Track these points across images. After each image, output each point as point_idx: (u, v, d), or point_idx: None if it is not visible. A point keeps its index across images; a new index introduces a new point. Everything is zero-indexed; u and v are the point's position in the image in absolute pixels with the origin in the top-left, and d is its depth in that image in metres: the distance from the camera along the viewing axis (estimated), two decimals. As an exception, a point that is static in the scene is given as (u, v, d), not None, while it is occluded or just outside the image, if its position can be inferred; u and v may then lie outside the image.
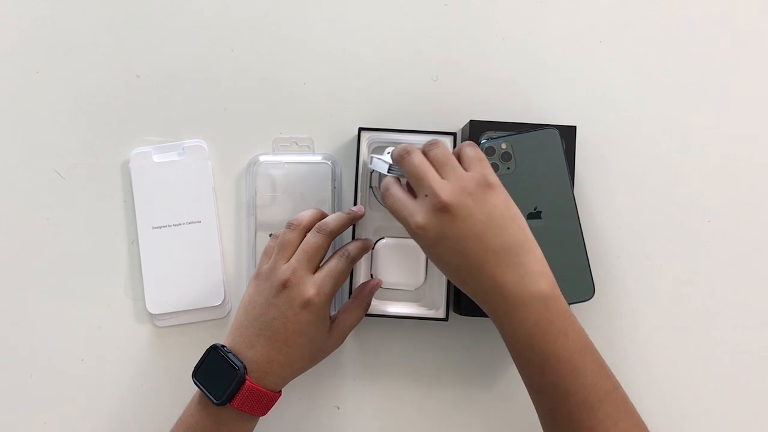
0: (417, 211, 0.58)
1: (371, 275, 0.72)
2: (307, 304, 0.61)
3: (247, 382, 0.60)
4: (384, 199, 0.62)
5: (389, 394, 0.74)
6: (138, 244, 0.73)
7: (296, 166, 0.74)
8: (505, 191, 0.59)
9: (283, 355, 0.62)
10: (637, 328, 0.74)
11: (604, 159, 0.75)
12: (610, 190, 0.75)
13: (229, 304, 0.74)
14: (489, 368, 0.74)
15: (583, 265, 0.69)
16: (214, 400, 0.60)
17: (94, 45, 0.76)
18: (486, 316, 0.69)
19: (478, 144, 0.69)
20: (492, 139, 0.69)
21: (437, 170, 0.59)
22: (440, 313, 0.71)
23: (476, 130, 0.70)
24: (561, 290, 0.69)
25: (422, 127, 0.72)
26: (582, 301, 0.69)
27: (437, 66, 0.76)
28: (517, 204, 0.69)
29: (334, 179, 0.74)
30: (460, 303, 0.69)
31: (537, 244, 0.58)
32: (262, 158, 0.74)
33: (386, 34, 0.76)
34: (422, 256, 0.72)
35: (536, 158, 0.69)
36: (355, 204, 0.71)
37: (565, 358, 0.56)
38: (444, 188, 0.58)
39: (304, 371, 0.65)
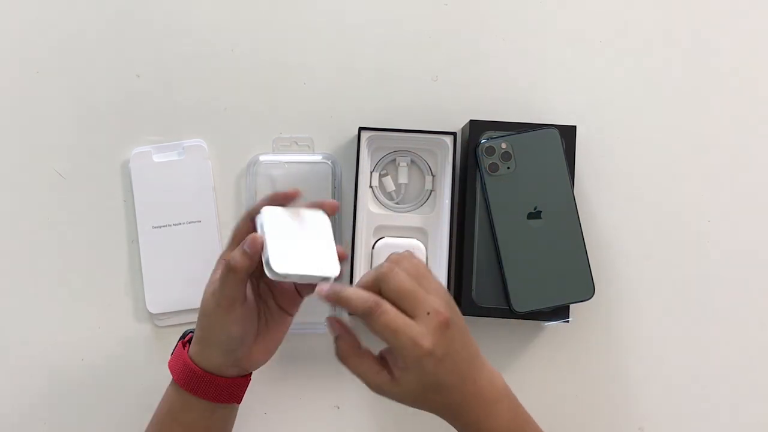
0: (423, 333, 0.52)
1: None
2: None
3: (179, 343, 0.63)
4: (376, 320, 0.52)
5: (389, 394, 0.74)
6: (138, 244, 0.73)
7: (296, 166, 0.74)
8: None
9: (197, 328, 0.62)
10: (637, 327, 0.74)
11: (604, 159, 0.75)
12: (610, 190, 0.75)
13: (229, 304, 0.74)
14: (489, 368, 0.74)
15: (583, 265, 0.69)
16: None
17: (94, 45, 0.76)
18: (487, 315, 0.69)
19: (478, 144, 0.69)
20: (492, 139, 0.69)
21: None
22: (440, 313, 0.70)
23: (476, 130, 0.70)
24: (561, 290, 0.70)
25: (422, 127, 0.72)
26: (582, 301, 0.69)
27: (437, 66, 0.76)
28: (517, 204, 0.69)
29: (334, 179, 0.74)
30: (460, 302, 0.69)
31: None
32: (262, 158, 0.74)
33: (386, 34, 0.76)
34: (422, 256, 0.72)
35: (536, 158, 0.69)
36: (355, 204, 0.71)
37: None
38: (439, 302, 0.54)
39: (213, 343, 0.60)
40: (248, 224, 0.61)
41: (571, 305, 0.70)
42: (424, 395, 0.55)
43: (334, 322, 0.57)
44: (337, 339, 0.57)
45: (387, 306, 0.52)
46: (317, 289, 0.55)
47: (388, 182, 0.74)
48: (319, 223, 0.61)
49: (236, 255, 0.57)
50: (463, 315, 0.69)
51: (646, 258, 0.75)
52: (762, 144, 0.76)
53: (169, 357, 0.64)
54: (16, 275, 0.74)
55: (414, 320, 0.53)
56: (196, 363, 0.61)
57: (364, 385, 0.73)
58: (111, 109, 0.75)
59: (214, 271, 0.62)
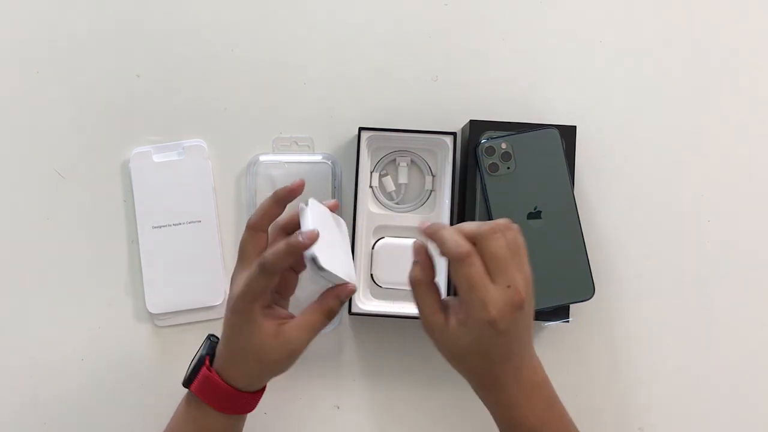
0: (495, 301, 0.52)
1: (371, 275, 0.73)
2: (228, 304, 0.60)
3: (204, 368, 0.61)
4: (462, 269, 0.53)
5: (389, 394, 0.74)
6: (138, 244, 0.73)
7: (296, 166, 0.74)
8: None
9: (230, 354, 0.60)
10: (637, 327, 0.74)
11: (604, 159, 0.75)
12: (610, 190, 0.75)
13: (229, 304, 0.74)
14: (489, 368, 0.74)
15: (583, 265, 0.69)
16: (183, 383, 0.62)
17: (94, 45, 0.76)
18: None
19: (478, 144, 0.69)
20: (492, 139, 0.69)
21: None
22: (440, 313, 0.71)
23: (476, 130, 0.70)
24: (561, 290, 0.70)
25: (422, 127, 0.72)
26: (582, 301, 0.69)
27: (437, 66, 0.76)
28: (517, 204, 0.69)
29: (334, 179, 0.74)
30: (460, 303, 0.69)
31: None
32: (262, 158, 0.74)
33: (386, 34, 0.76)
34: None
35: (536, 158, 0.69)
36: (355, 204, 0.71)
37: None
38: (522, 283, 0.54)
39: (267, 375, 0.62)
40: (256, 237, 0.60)
41: (571, 305, 0.70)
42: (467, 355, 0.55)
43: (419, 248, 0.57)
44: (415, 264, 0.57)
45: (477, 260, 0.53)
46: (420, 222, 0.57)
47: (388, 182, 0.74)
48: (342, 229, 0.63)
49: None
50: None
51: (646, 258, 0.75)
52: (762, 144, 0.76)
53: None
54: (16, 275, 0.74)
55: (495, 285, 0.53)
56: (235, 387, 0.60)
57: (364, 385, 0.74)
58: (111, 109, 0.75)
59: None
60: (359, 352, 0.74)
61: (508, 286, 0.53)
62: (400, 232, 0.73)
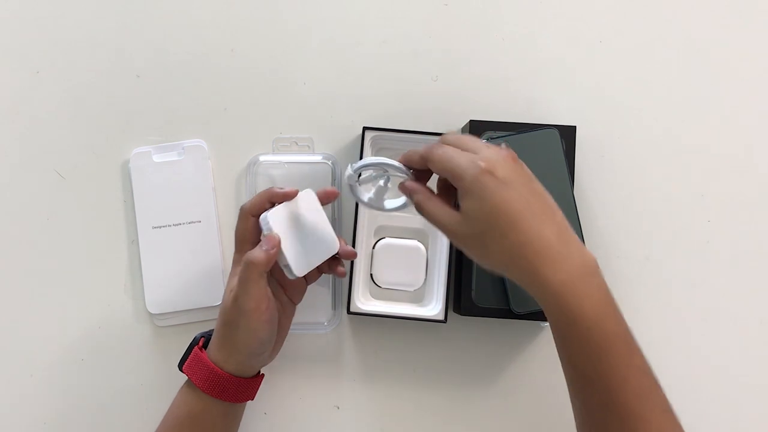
0: (480, 156, 0.53)
1: (371, 275, 0.73)
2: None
3: (195, 348, 0.64)
4: (435, 154, 0.55)
5: (389, 394, 0.74)
6: (138, 244, 0.73)
7: (296, 166, 0.74)
8: None
9: (218, 330, 0.63)
10: (637, 328, 0.74)
11: (604, 159, 0.75)
12: (610, 190, 0.75)
13: (229, 304, 0.74)
14: (488, 368, 0.74)
15: (583, 265, 0.69)
16: (178, 365, 0.65)
17: (94, 45, 0.76)
18: (487, 315, 0.69)
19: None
20: (492, 139, 0.69)
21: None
22: (439, 315, 0.70)
23: (476, 130, 0.70)
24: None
25: (422, 127, 0.72)
26: (582, 301, 0.69)
27: (437, 66, 0.76)
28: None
29: (334, 179, 0.74)
30: (460, 303, 0.69)
31: None
32: (262, 158, 0.74)
33: (386, 34, 0.76)
34: (422, 256, 0.72)
35: (536, 158, 0.69)
36: (356, 204, 0.71)
37: (625, 337, 0.53)
38: (495, 149, 0.55)
39: (242, 347, 0.62)
40: (251, 221, 0.63)
41: (571, 305, 0.69)
42: (486, 229, 0.52)
43: (407, 184, 0.59)
44: (414, 194, 0.58)
45: (445, 145, 0.56)
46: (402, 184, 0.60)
47: (389, 182, 0.74)
48: (310, 203, 0.64)
49: (255, 252, 0.60)
50: (463, 315, 0.70)
51: (646, 258, 0.75)
52: (762, 144, 0.76)
53: (171, 359, 0.65)
54: (15, 275, 0.74)
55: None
56: (221, 368, 0.62)
57: (364, 385, 0.74)
58: (111, 109, 0.75)
59: (230, 278, 0.64)
60: (359, 352, 0.74)
61: (487, 146, 0.55)
62: (400, 232, 0.73)
